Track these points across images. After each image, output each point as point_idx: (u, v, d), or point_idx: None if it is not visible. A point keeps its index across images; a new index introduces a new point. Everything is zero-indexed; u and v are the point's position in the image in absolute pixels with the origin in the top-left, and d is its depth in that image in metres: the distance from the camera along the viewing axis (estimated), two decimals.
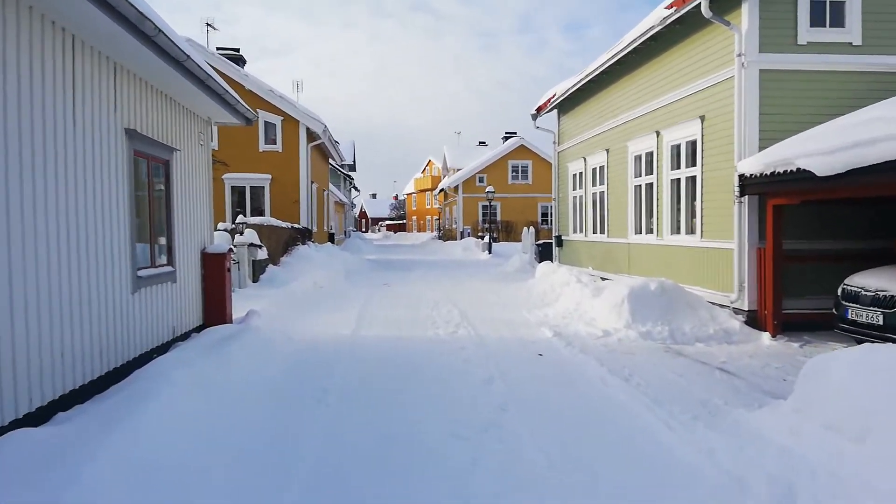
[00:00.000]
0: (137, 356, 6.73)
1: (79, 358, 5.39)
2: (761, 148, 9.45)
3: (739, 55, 9.44)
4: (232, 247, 13.10)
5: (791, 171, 7.99)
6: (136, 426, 4.32)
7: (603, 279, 14.56)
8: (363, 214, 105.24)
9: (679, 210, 11.83)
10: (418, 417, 5.59)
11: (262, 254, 14.04)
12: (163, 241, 7.86)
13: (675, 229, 12.09)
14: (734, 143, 9.69)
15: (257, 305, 10.85)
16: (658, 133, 12.48)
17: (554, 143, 19.65)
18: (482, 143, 61.56)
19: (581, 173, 17.40)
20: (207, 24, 24.61)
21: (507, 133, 50.47)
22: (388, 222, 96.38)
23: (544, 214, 44.66)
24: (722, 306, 10.05)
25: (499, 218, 42.73)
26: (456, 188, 45.69)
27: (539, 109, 19.07)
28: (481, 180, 44.84)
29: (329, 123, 24.10)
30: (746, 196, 9.58)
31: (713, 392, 6.49)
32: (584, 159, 16.96)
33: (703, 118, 10.77)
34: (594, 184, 16.41)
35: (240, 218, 13.30)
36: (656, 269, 12.55)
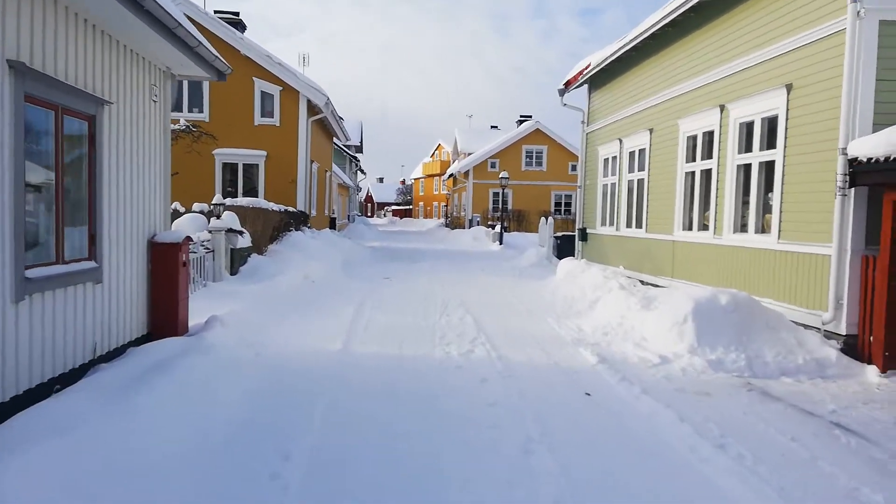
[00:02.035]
0: (20, 393, 4.66)
1: None
2: (876, 125, 7.26)
3: (855, 0, 7.22)
4: (207, 232, 11.02)
5: None
6: None
7: (642, 283, 12.41)
8: (369, 199, 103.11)
9: (748, 203, 9.65)
10: None
11: (244, 241, 11.95)
12: (82, 227, 5.77)
13: (741, 227, 9.93)
14: (840, 119, 7.48)
15: (227, 307, 8.78)
16: (722, 108, 10.27)
17: (582, 122, 17.41)
18: (494, 128, 59.09)
19: (615, 157, 15.19)
20: None
21: (521, 116, 48.03)
22: (394, 207, 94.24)
23: (558, 204, 42.42)
24: (808, 327, 7.92)
25: (510, 206, 40.47)
26: (466, 173, 43.40)
27: (568, 84, 16.83)
28: (493, 165, 42.54)
29: (338, 105, 22.00)
30: (854, 188, 7.40)
31: (854, 473, 4.39)
32: (620, 141, 14.75)
33: (789, 87, 8.57)
34: (631, 170, 14.22)
35: (217, 198, 11.21)
36: (710, 275, 10.40)
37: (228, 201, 15.28)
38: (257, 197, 19.93)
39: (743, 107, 9.66)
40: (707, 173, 10.92)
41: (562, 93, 17.18)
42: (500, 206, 31.42)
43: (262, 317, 9.07)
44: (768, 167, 9.23)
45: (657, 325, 8.06)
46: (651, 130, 13.11)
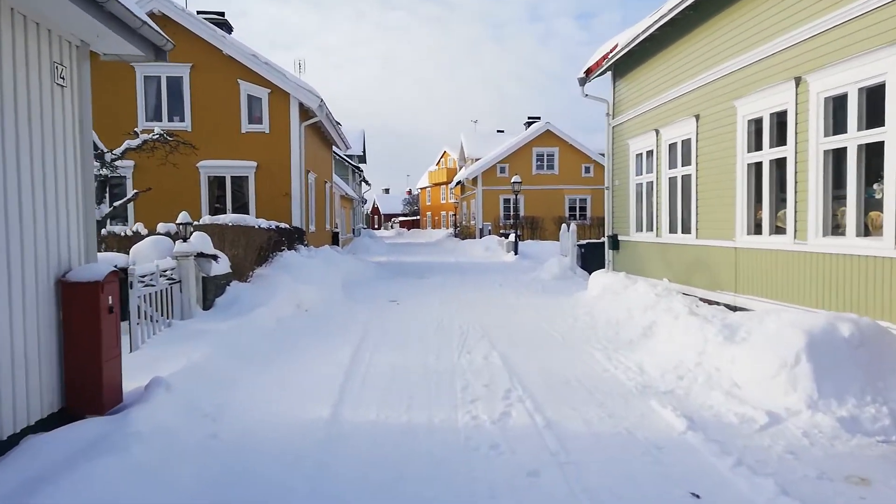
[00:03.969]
0: None
1: None
2: None
3: None
4: (172, 258, 9.06)
5: None
6: None
7: (707, 302, 10.33)
8: (375, 210, 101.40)
9: (844, 199, 7.59)
10: None
11: (221, 267, 9.99)
12: None
13: (832, 229, 7.87)
14: None
15: (188, 356, 6.81)
16: (799, 80, 8.23)
17: (607, 115, 15.38)
18: (500, 132, 57.11)
19: (650, 152, 13.15)
20: None
21: (529, 118, 46.07)
22: (401, 219, 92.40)
23: (572, 208, 40.36)
24: None
25: (521, 213, 38.41)
26: (474, 180, 41.41)
27: (589, 72, 14.83)
28: (502, 170, 40.53)
29: (339, 117, 20.07)
30: None
31: None
32: (657, 132, 12.71)
33: None
34: (673, 164, 12.17)
35: (182, 216, 9.21)
36: (793, 290, 8.34)
37: (208, 219, 13.38)
38: (247, 213, 18.06)
39: (831, 76, 7.61)
40: (780, 163, 8.87)
41: (582, 82, 15.19)
42: (513, 212, 29.38)
43: (231, 367, 7.07)
44: (871, 152, 7.18)
45: (754, 366, 6.00)
46: (697, 117, 11.06)
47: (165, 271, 8.68)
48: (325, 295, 12.74)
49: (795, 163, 8.39)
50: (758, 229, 9.48)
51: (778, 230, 8.99)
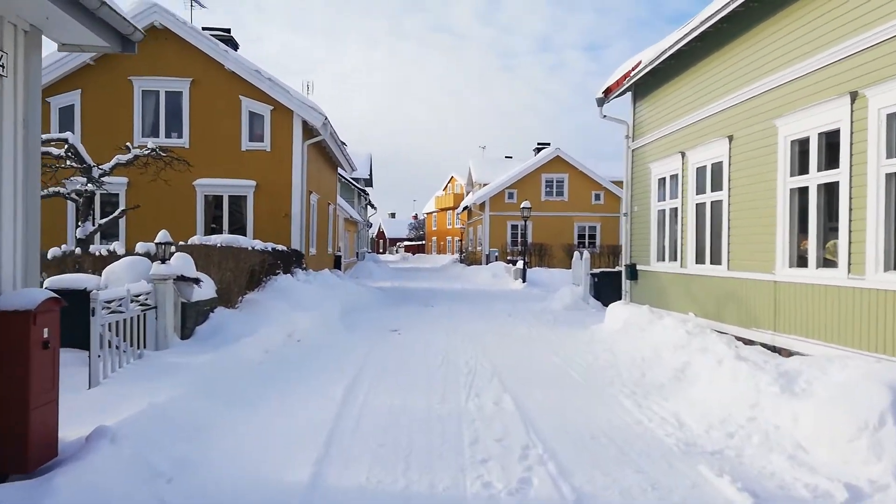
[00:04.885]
0: None
1: None
2: None
3: None
4: (147, 282, 8.12)
5: None
6: None
7: (741, 340, 9.30)
8: (381, 234, 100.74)
9: None
10: None
11: (204, 292, 9.05)
12: None
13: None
14: None
15: (153, 395, 5.84)
16: (855, 95, 7.32)
17: (626, 137, 14.50)
18: (508, 157, 56.42)
19: (674, 176, 12.23)
20: None
21: (539, 144, 45.32)
22: (406, 243, 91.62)
23: (581, 236, 39.38)
24: None
25: (529, 239, 37.48)
26: (482, 205, 40.54)
27: (608, 91, 13.99)
28: (511, 196, 39.68)
29: (347, 140, 19.32)
30: None
31: None
32: (682, 155, 11.80)
33: None
34: (701, 190, 11.22)
35: (161, 235, 8.29)
36: (847, 331, 7.32)
37: (196, 239, 12.49)
38: (245, 234, 17.19)
39: (895, 90, 6.70)
40: (829, 188, 7.93)
41: (601, 102, 14.34)
42: (522, 239, 28.43)
43: (202, 410, 6.08)
44: None
45: (823, 426, 4.98)
46: (730, 138, 10.15)
47: (139, 296, 7.73)
48: (321, 323, 11.76)
49: (850, 188, 7.43)
50: (802, 261, 8.49)
51: (827, 263, 8.00)
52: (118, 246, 9.77)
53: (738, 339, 9.30)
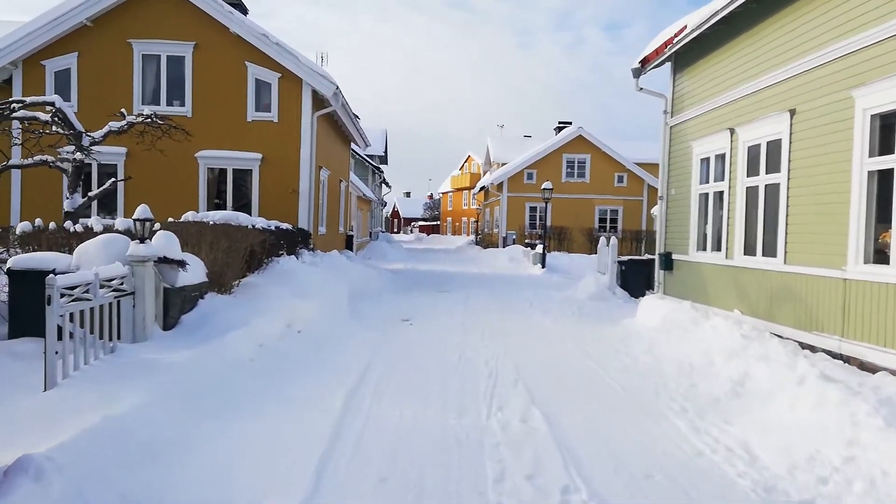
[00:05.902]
0: None
1: None
2: None
3: None
4: (124, 264, 7.08)
5: None
6: None
7: (805, 347, 8.11)
8: (395, 214, 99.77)
9: None
10: None
11: (192, 275, 8.02)
12: None
13: None
14: None
15: (103, 411, 4.80)
16: None
17: (665, 112, 13.21)
18: (527, 137, 54.89)
19: (720, 155, 10.97)
20: None
21: (560, 122, 43.81)
22: (421, 223, 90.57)
23: (602, 220, 38.05)
24: None
25: (548, 222, 36.27)
26: (500, 185, 39.26)
27: (646, 61, 12.69)
28: (530, 177, 38.35)
29: (363, 118, 18.12)
30: None
31: None
32: (731, 132, 10.53)
33: None
34: (753, 171, 9.97)
35: (141, 210, 7.22)
36: None
37: (190, 215, 11.44)
38: (250, 211, 16.16)
39: None
40: None
41: (637, 73, 13.06)
42: (542, 221, 27.20)
43: (173, 423, 5.05)
44: None
45: None
46: (792, 112, 8.88)
47: (111, 280, 6.70)
48: (326, 311, 10.71)
49: None
50: (881, 257, 7.27)
51: None
52: (96, 221, 8.73)
53: (793, 340, 8.13)
